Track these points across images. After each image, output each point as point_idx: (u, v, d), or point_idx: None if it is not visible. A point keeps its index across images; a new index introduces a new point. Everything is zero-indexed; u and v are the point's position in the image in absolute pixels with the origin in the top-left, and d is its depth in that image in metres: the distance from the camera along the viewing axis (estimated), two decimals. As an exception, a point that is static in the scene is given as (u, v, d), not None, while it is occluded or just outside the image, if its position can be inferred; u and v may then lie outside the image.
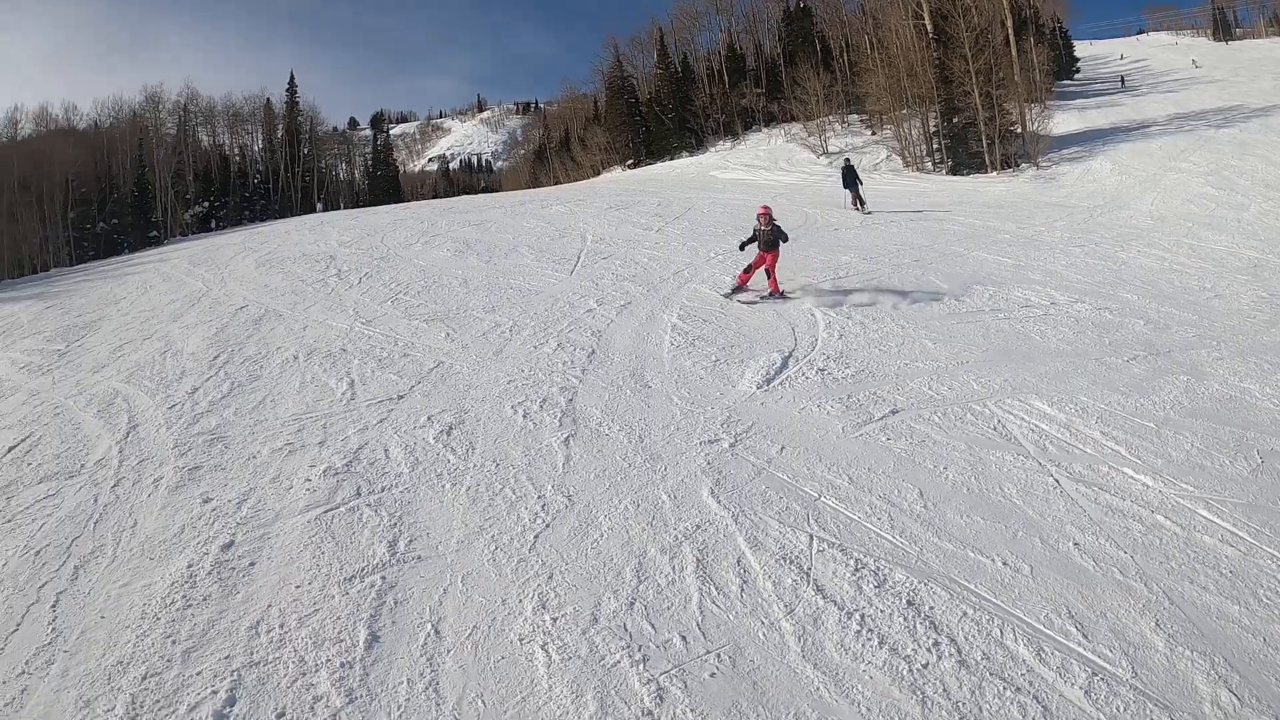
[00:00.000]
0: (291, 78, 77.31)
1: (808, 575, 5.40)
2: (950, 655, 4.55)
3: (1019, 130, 39.13)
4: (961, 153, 40.51)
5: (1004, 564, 5.39)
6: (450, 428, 8.47)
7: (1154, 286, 13.08)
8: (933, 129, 43.48)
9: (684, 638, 4.82)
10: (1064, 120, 41.97)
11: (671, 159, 64.54)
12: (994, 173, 37.35)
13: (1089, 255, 16.15)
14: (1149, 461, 6.80)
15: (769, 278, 13.40)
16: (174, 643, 5.20)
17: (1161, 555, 5.47)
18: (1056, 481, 6.57)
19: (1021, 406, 8.02)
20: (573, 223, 24.76)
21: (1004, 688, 4.30)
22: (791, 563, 5.55)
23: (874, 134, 50.68)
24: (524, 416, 8.62)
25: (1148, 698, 4.24)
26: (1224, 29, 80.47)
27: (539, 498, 6.75)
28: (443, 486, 7.11)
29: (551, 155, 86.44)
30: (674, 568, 5.57)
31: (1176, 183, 27.63)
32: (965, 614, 4.88)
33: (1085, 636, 4.68)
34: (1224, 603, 4.99)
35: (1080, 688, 4.29)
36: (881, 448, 7.32)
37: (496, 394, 9.38)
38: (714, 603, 5.14)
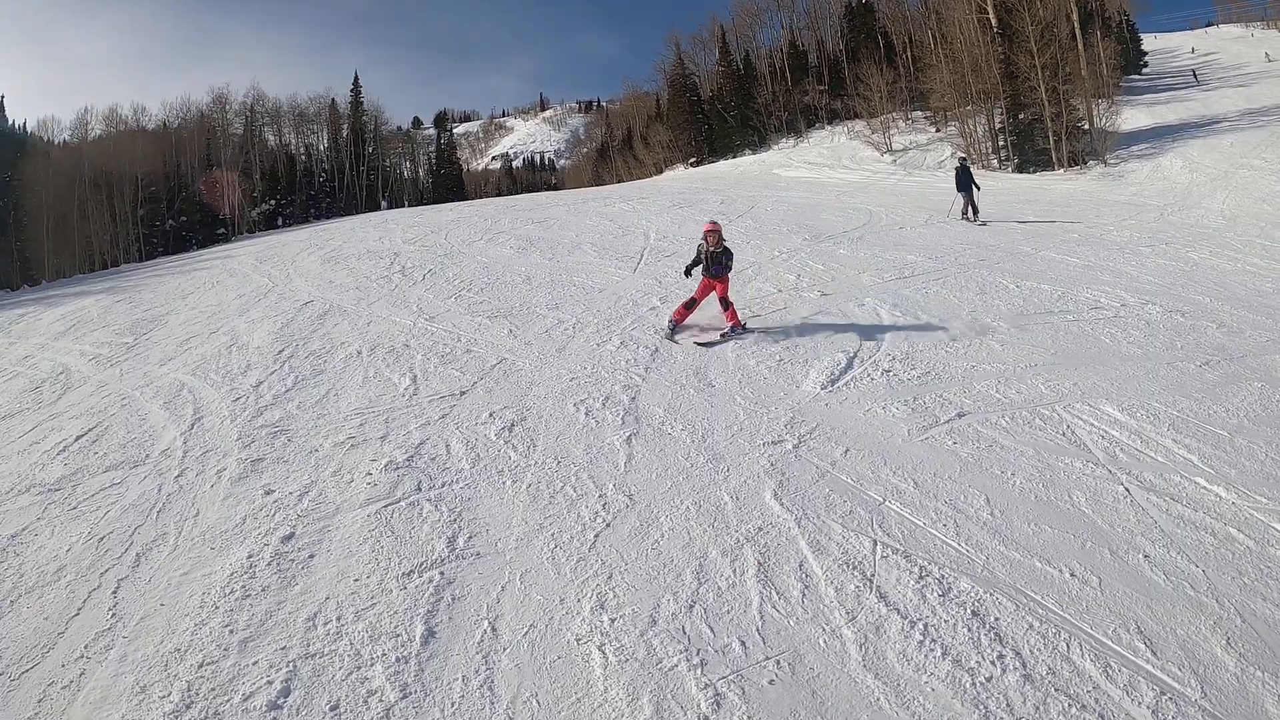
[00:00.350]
0: (356, 78, 78.27)
1: (871, 582, 5.36)
2: (1015, 669, 4.51)
3: (1086, 126, 38.53)
4: (1028, 150, 40.05)
5: (1072, 575, 5.32)
6: (512, 424, 8.52)
7: (1226, 289, 12.77)
8: (998, 125, 42.95)
9: (743, 643, 4.81)
10: (1132, 116, 41.19)
11: (734, 156, 64.59)
12: (1061, 170, 36.84)
13: (1159, 256, 15.82)
14: (1222, 472, 6.65)
15: (725, 309, 11.52)
16: (231, 632, 5.31)
17: (1234, 570, 5.37)
18: (1127, 490, 6.45)
19: (1091, 412, 7.87)
20: (635, 220, 24.79)
21: (1069, 704, 4.24)
22: (854, 569, 5.51)
23: (938, 131, 50.25)
24: (586, 414, 8.65)
25: None
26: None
27: (600, 496, 6.76)
28: (503, 483, 7.15)
29: (614, 153, 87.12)
30: (734, 571, 5.56)
31: (1249, 181, 27.07)
32: (1031, 626, 4.82)
33: (1154, 654, 4.61)
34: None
35: (1148, 707, 4.23)
36: (948, 452, 7.25)
37: (559, 391, 9.43)
38: (774, 608, 5.12)
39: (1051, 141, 38.20)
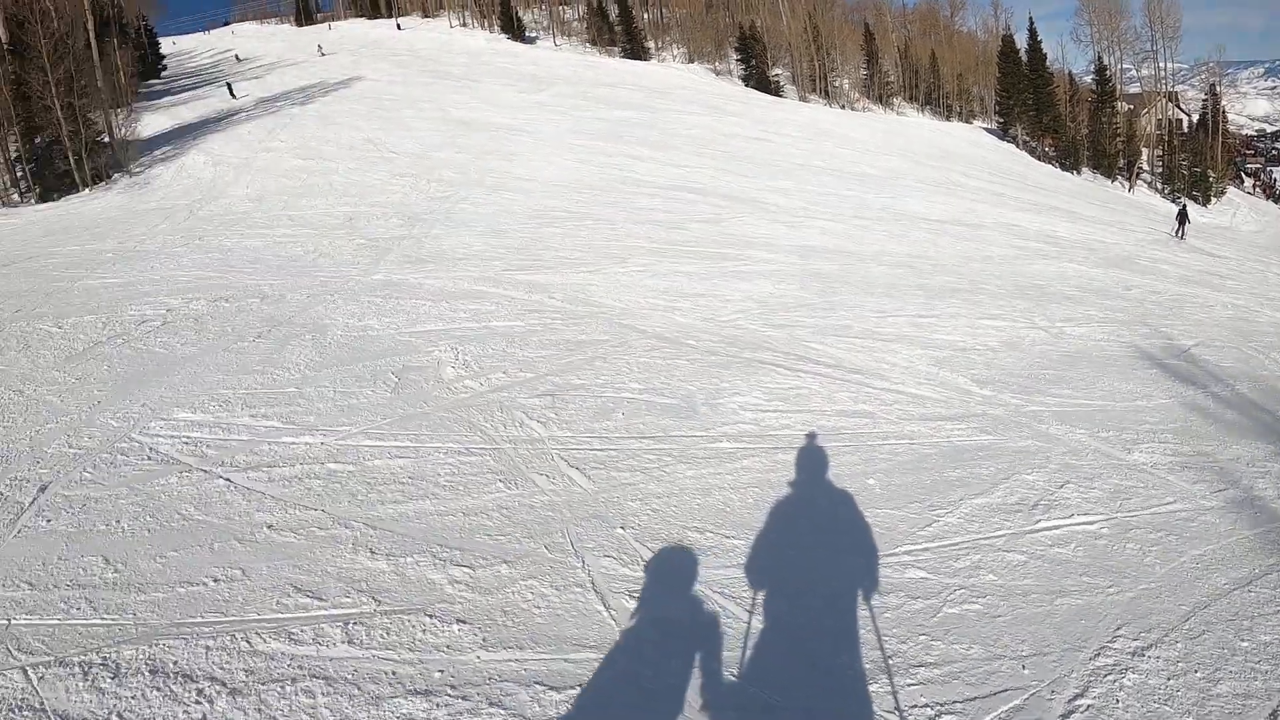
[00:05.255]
0: None
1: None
2: (219, 694, 4.59)
3: (107, 139, 37.29)
4: (49, 175, 37.44)
5: (217, 580, 5.55)
6: None
7: (263, 263, 13.80)
8: (15, 154, 39.42)
9: None
10: (153, 121, 41.24)
11: None
12: (87, 190, 35.26)
13: (195, 251, 15.94)
14: (302, 422, 7.42)
15: None
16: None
17: (346, 495, 6.36)
18: (228, 480, 6.89)
19: (167, 425, 7.96)
20: None
21: (308, 686, 4.62)
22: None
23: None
24: None
25: (398, 623, 5.06)
26: (306, 15, 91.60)
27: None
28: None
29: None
30: None
31: (270, 162, 29.35)
32: (206, 648, 4.92)
33: (322, 598, 5.25)
34: (414, 503, 6.23)
35: (342, 642, 4.89)
36: (45, 534, 6.44)
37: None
38: None
39: (73, 162, 36.17)
